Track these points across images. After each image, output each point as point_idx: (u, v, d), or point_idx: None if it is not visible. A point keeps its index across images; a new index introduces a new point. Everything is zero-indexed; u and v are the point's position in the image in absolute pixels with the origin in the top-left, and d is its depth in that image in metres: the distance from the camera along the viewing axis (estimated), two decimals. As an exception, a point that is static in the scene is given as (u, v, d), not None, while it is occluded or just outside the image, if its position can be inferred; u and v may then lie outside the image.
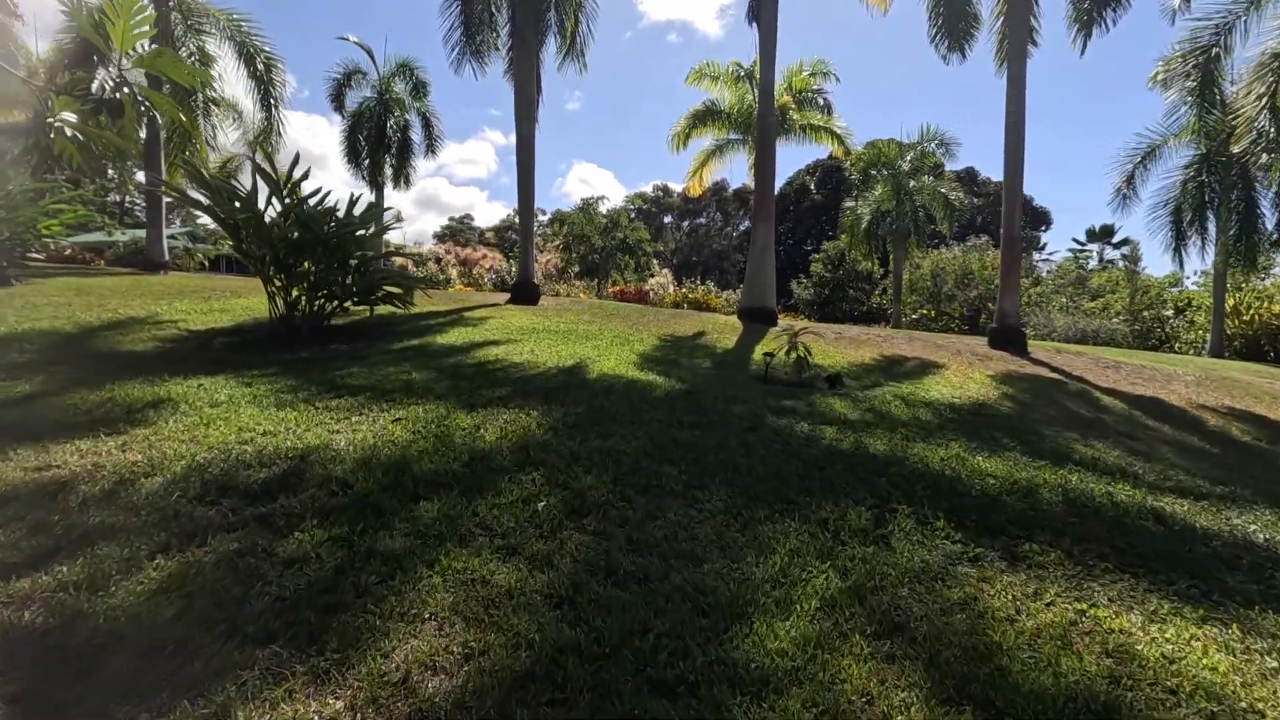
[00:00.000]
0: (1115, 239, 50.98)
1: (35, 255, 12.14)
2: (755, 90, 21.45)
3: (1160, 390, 9.51)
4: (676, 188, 69.05)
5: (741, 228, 65.21)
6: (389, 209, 9.83)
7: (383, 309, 10.31)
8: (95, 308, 9.40)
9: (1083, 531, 3.64)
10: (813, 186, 59.14)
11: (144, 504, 3.14)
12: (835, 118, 22.02)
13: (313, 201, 8.15)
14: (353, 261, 8.77)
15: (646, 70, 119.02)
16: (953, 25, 13.99)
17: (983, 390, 7.83)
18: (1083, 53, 13.30)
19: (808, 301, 31.50)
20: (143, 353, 6.95)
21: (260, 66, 17.44)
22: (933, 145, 22.05)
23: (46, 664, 2.07)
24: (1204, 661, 2.47)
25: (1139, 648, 2.52)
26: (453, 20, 14.70)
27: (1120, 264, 46.21)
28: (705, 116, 22.38)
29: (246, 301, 10.75)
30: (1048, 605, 2.81)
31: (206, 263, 34.33)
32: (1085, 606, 2.79)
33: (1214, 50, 13.22)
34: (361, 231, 8.63)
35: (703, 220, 68.91)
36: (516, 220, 14.76)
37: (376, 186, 25.33)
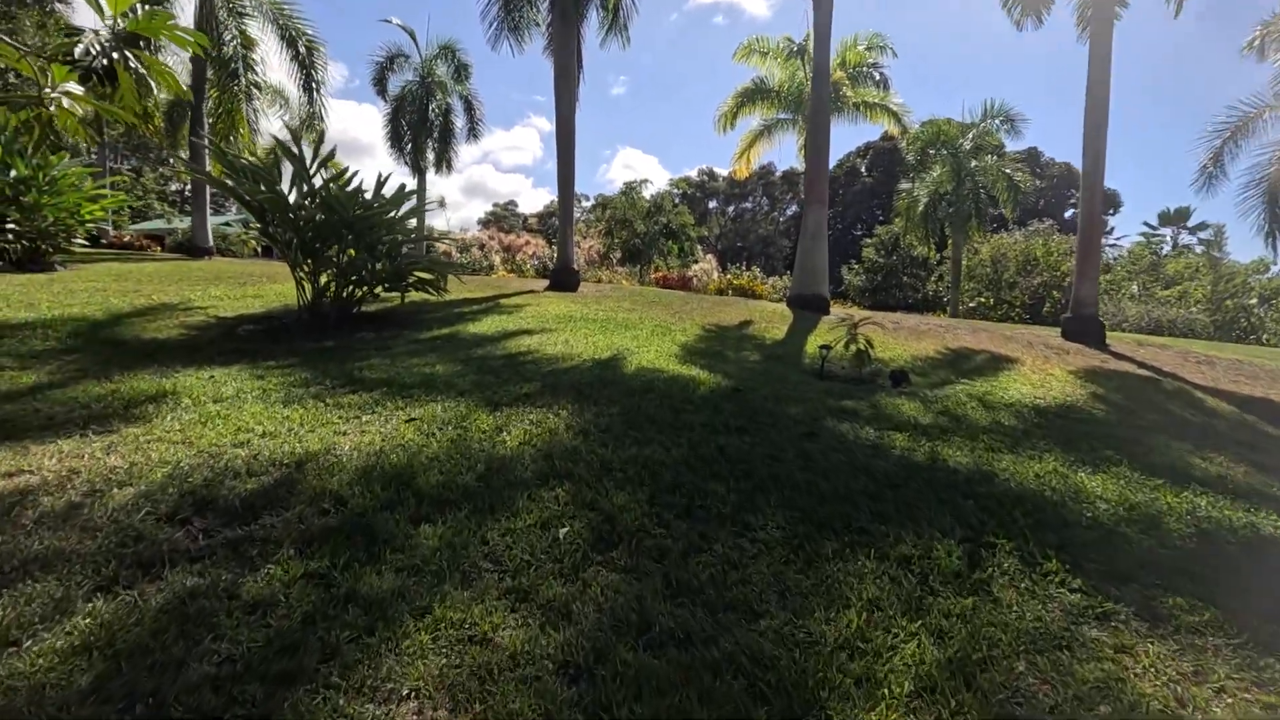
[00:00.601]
0: (1191, 222, 47.78)
1: (80, 241, 12.15)
2: (807, 67, 20.47)
3: (1270, 390, 8.43)
4: (722, 172, 67.74)
5: (789, 212, 63.59)
6: (429, 202, 9.36)
7: (416, 295, 9.96)
8: (131, 293, 9.28)
9: (1235, 579, 2.91)
10: (863, 169, 57.16)
11: (106, 522, 2.72)
12: (891, 94, 20.84)
13: (341, 183, 7.78)
14: (382, 246, 8.39)
15: (692, 54, 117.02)
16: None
17: (1068, 389, 6.97)
18: (1178, 12, 11.97)
19: (858, 288, 30.23)
20: (165, 340, 6.69)
21: (302, 49, 17.28)
22: (997, 123, 20.62)
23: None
24: None
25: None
26: (491, -6, 14.21)
27: (1197, 249, 43.25)
28: (754, 95, 21.46)
29: (281, 287, 10.54)
30: (1218, 692, 2.13)
31: (260, 249, 35.07)
32: (1274, 699, 2.11)
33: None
34: (391, 214, 8.23)
35: (748, 204, 67.43)
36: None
37: (419, 171, 25.23)
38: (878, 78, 20.14)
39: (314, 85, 17.82)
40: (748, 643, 2.19)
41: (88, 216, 11.45)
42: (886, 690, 2.00)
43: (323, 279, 8.22)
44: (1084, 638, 2.37)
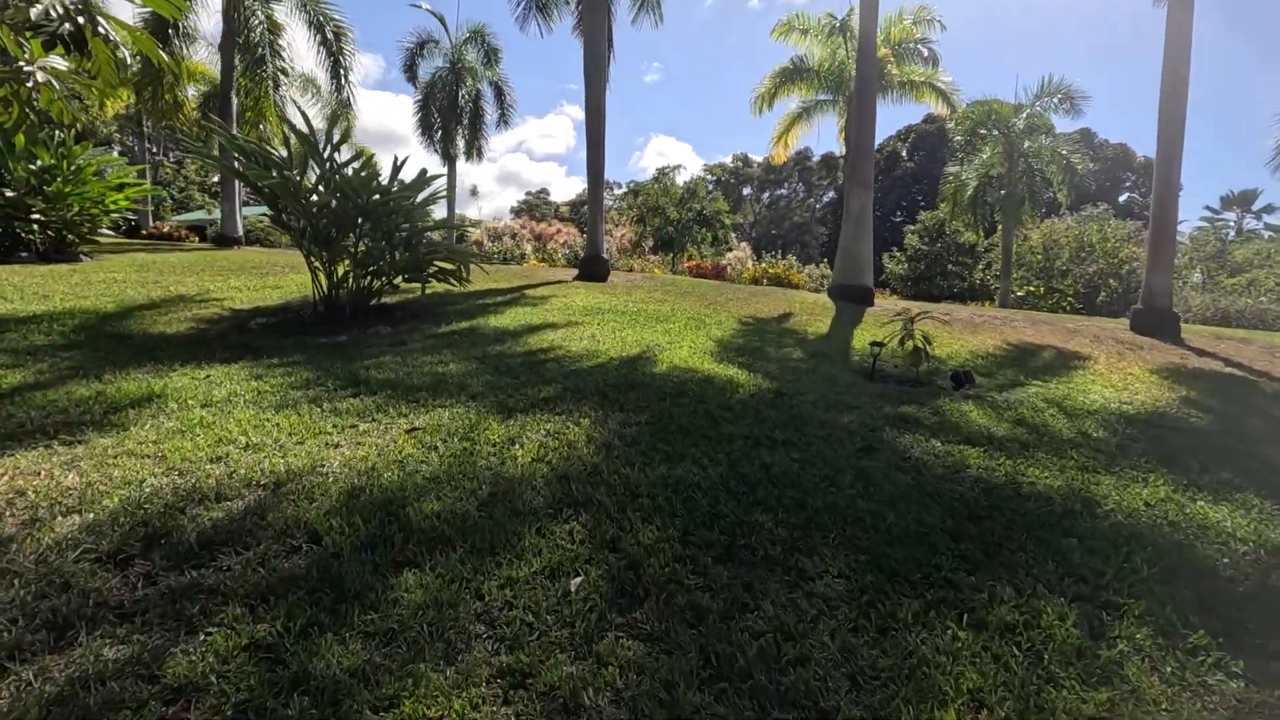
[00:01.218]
0: (1257, 205, 44.97)
1: (106, 231, 12.05)
2: (849, 44, 19.48)
3: (1383, 393, 7.47)
4: (756, 158, 66.40)
5: (825, 198, 62.03)
6: (441, 183, 8.92)
7: (440, 286, 9.54)
8: (150, 285, 9.05)
9: None
10: (904, 153, 55.32)
11: (31, 565, 2.28)
12: (939, 71, 19.70)
13: (362, 168, 7.35)
14: (401, 234, 7.96)
15: (726, 39, 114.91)
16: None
17: (1154, 393, 6.19)
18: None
19: (900, 277, 29.04)
20: (171, 335, 6.36)
21: (329, 35, 17.00)
22: (1055, 100, 19.33)
23: None
24: None
25: None
26: (518, -29, 13.67)
27: (1264, 234, 40.68)
28: (792, 75, 20.53)
29: (302, 278, 10.20)
30: None
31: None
32: None
33: None
34: (410, 201, 7.78)
35: (783, 191, 65.98)
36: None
37: (449, 159, 24.93)
38: (925, 54, 19.02)
39: (341, 72, 17.54)
40: (814, 762, 1.63)
41: (112, 206, 11.31)
42: None
43: (339, 270, 7.83)
44: (1269, 755, 1.76)
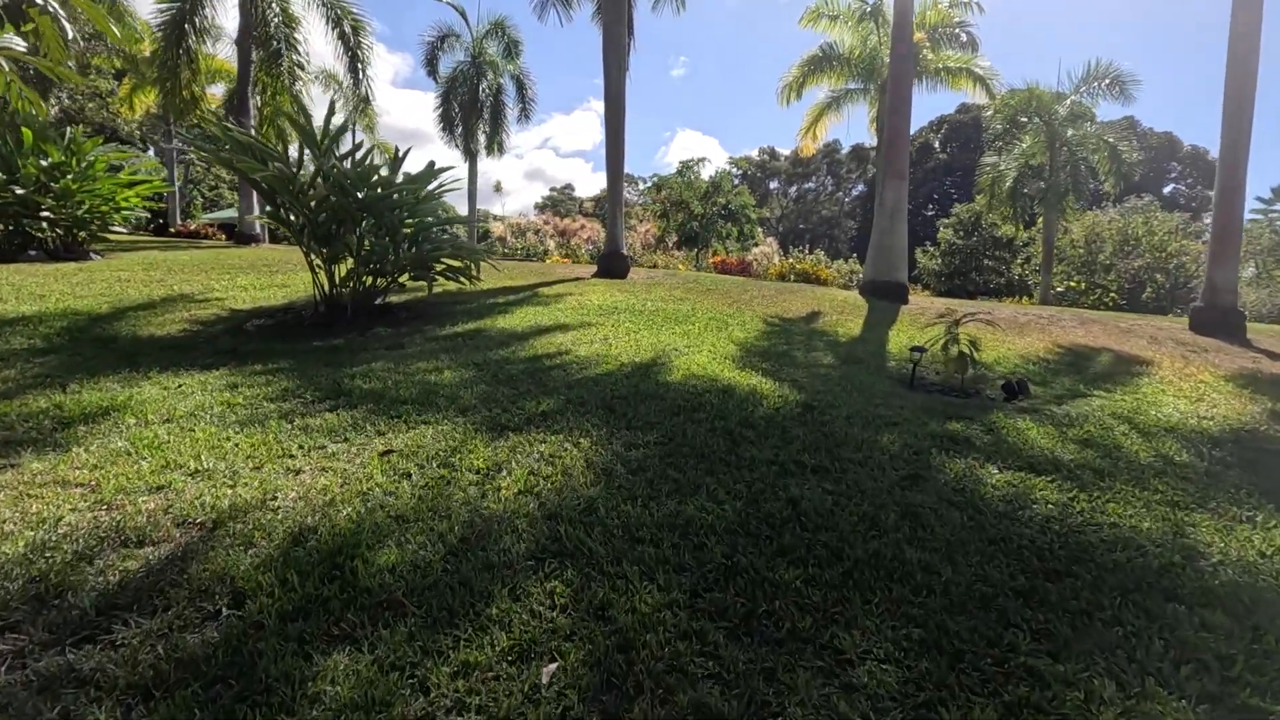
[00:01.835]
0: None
1: (118, 229, 11.89)
2: (881, 29, 18.66)
3: None
4: (784, 151, 65.28)
5: (854, 192, 60.71)
6: (455, 181, 8.49)
7: (451, 285, 9.14)
8: (153, 284, 8.79)
9: None
10: (936, 144, 53.84)
11: (-119, 638, 1.85)
12: (977, 56, 18.79)
13: (355, 160, 6.95)
14: (406, 230, 7.55)
15: (753, 30, 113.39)
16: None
17: (1234, 404, 5.49)
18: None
19: (934, 273, 27.97)
20: (160, 338, 6.02)
21: (347, 29, 16.76)
22: (1103, 85, 18.24)
23: None
24: None
25: None
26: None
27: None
28: (821, 63, 19.79)
29: (311, 277, 9.92)
30: None
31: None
32: None
33: None
34: (415, 195, 7.36)
35: (811, 184, 64.76)
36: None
37: (470, 155, 24.66)
38: (964, 38, 18.13)
39: (360, 66, 17.30)
40: None
41: (124, 204, 11.12)
42: None
43: (342, 268, 7.46)
44: None
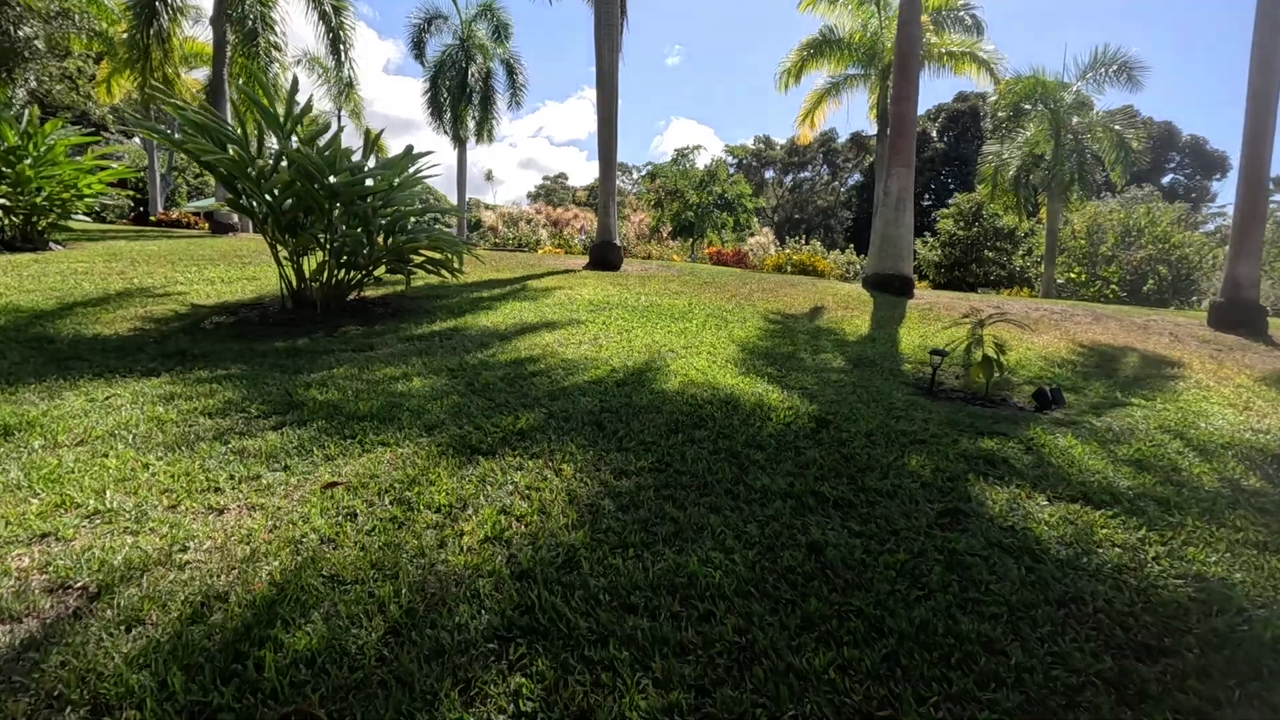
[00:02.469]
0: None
1: (81, 217, 11.26)
2: (882, 12, 18.09)
3: None
4: (779, 140, 64.58)
5: (850, 181, 60.10)
6: (434, 164, 7.83)
7: (434, 279, 8.59)
8: (112, 277, 8.21)
9: None
10: (934, 133, 53.27)
11: None
12: (982, 40, 18.24)
13: (321, 145, 6.37)
14: (381, 220, 6.98)
15: (749, 19, 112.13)
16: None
17: (1282, 412, 5.02)
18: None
19: (933, 264, 27.47)
20: (105, 338, 5.47)
21: (328, 8, 16.05)
22: (1110, 72, 17.70)
23: None
24: None
25: None
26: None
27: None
28: (821, 47, 19.22)
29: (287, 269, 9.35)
30: None
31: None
32: None
33: None
34: (390, 181, 6.79)
35: (807, 174, 64.12)
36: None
37: (459, 141, 23.97)
38: (968, 21, 17.56)
39: (341, 48, 16.61)
40: None
41: (86, 190, 10.48)
42: None
43: (312, 261, 6.90)
44: None
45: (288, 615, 1.93)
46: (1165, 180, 49.33)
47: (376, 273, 7.50)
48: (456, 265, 7.56)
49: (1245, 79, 9.52)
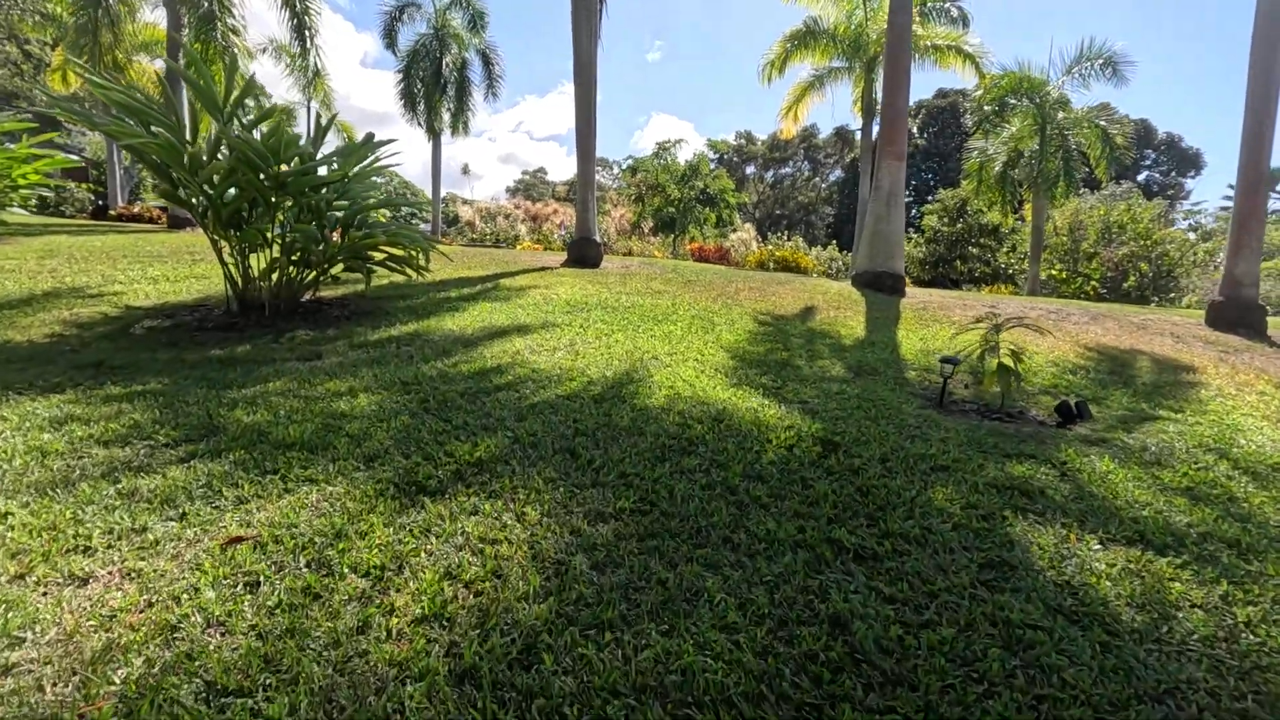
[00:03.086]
0: (1283, 185, 43.03)
1: (17, 210, 10.45)
2: (866, 4, 17.72)
3: None
4: (760, 135, 64.26)
5: (831, 177, 59.98)
6: (396, 151, 7.21)
7: (397, 276, 7.99)
8: (42, 275, 7.50)
9: None
10: (915, 130, 53.21)
11: None
12: (967, 33, 17.94)
13: (264, 131, 5.74)
14: (335, 214, 6.38)
15: (730, 14, 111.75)
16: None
17: (1316, 424, 4.64)
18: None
19: (917, 261, 27.24)
20: (12, 346, 4.83)
21: (291, -9, 15.22)
22: (1096, 66, 17.48)
23: None
24: None
25: None
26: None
27: (1292, 214, 38.80)
28: (805, 38, 18.79)
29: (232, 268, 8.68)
30: None
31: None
32: None
33: None
34: (345, 172, 6.19)
35: (788, 169, 63.86)
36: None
37: (433, 133, 23.20)
38: (954, 13, 17.25)
39: (307, 34, 15.80)
40: None
41: (21, 181, 9.69)
42: None
43: (261, 259, 6.28)
44: None
45: (130, 757, 1.39)
46: (1141, 177, 49.79)
47: (334, 271, 6.89)
48: (421, 263, 6.98)
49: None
